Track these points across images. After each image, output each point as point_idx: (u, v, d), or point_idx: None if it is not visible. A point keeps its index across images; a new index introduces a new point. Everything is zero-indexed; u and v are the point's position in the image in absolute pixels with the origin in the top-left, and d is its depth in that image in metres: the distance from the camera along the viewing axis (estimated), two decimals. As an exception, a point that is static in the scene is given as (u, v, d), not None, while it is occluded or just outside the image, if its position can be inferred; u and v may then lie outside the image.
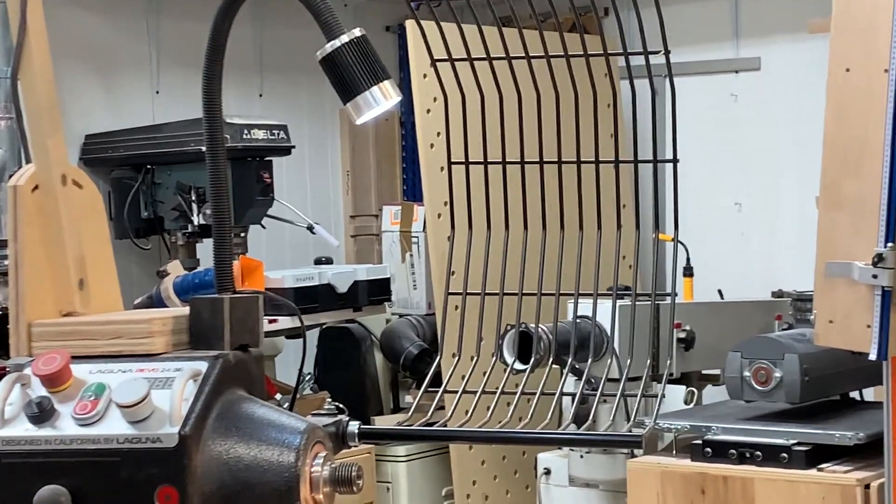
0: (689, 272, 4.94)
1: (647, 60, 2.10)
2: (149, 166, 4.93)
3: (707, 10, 5.68)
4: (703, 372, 4.61)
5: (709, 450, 3.84)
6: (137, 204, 4.94)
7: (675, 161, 2.12)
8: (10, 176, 2.07)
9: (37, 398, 1.60)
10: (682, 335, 4.32)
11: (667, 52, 2.08)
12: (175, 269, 4.70)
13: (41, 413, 1.59)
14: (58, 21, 2.08)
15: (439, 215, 4.91)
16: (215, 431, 1.59)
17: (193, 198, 4.80)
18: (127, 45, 5.15)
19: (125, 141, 4.94)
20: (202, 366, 1.64)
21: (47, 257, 1.89)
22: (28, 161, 1.98)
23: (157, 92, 5.21)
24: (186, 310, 1.76)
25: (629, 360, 2.35)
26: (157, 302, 4.58)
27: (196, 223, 4.84)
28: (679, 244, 2.84)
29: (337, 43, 1.77)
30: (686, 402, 4.35)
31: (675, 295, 2.25)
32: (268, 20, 5.46)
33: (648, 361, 2.83)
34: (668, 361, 3.73)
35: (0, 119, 4.62)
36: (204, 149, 1.81)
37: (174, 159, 4.82)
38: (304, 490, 1.61)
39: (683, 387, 4.39)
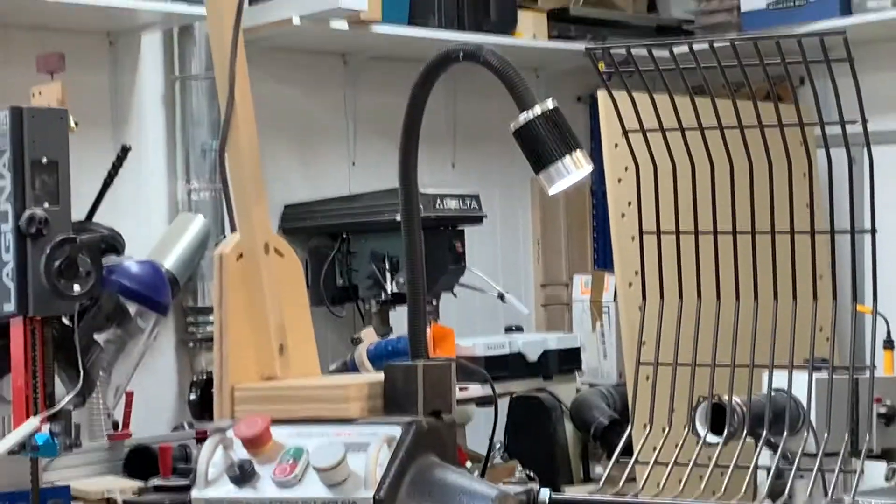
0: (889, 345, 4.78)
1: (843, 130, 2.07)
2: (344, 235, 5.04)
3: (907, 76, 5.54)
4: (905, 449, 4.45)
5: (912, 530, 3.70)
6: (333, 272, 5.05)
7: (873, 231, 2.08)
8: (216, 245, 2.15)
9: (239, 461, 1.65)
10: (883, 410, 4.18)
11: (864, 122, 2.05)
12: (369, 336, 4.78)
13: (243, 475, 1.64)
14: (259, 94, 2.16)
15: (630, 284, 4.88)
16: (409, 496, 1.62)
17: (387, 266, 4.89)
18: (325, 118, 5.30)
19: (322, 210, 5.07)
20: (396, 431, 1.66)
21: (250, 323, 1.95)
22: (233, 230, 2.05)
23: (354, 163, 5.34)
24: (381, 376, 1.79)
25: (826, 435, 2.30)
26: (351, 368, 4.65)
27: (389, 291, 4.92)
28: (879, 316, 2.77)
29: (530, 115, 1.79)
30: (887, 480, 4.20)
31: (875, 368, 2.20)
32: (461, 91, 5.55)
33: (847, 436, 2.76)
34: (868, 436, 3.61)
35: (204, 189, 4.80)
36: (398, 218, 1.85)
37: (369, 228, 4.92)
38: (495, 557, 1.61)
39: (884, 463, 4.24)
